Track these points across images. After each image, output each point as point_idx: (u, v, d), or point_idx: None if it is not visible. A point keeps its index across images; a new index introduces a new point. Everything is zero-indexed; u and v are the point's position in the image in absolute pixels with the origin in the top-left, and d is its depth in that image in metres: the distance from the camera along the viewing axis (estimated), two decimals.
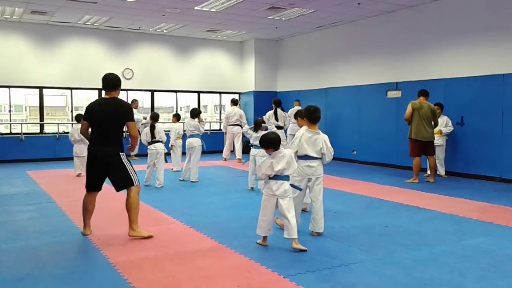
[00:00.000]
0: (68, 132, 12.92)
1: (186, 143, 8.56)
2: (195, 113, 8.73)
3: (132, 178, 4.71)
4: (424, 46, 9.94)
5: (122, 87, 14.83)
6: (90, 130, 4.79)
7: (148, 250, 4.33)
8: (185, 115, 8.89)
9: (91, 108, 4.80)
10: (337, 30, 12.34)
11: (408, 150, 8.75)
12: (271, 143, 4.38)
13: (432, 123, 8.40)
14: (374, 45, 11.19)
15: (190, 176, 8.56)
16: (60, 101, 17.77)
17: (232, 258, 4.12)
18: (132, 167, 4.79)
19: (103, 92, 4.87)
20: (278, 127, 10.55)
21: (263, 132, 7.32)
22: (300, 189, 4.75)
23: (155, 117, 8.32)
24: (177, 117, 9.66)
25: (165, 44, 13.80)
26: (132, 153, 9.83)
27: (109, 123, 4.68)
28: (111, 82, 4.82)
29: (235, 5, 10.00)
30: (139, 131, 10.13)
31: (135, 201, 4.73)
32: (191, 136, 8.53)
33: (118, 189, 4.76)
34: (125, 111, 4.74)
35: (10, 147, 11.76)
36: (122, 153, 4.72)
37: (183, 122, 9.58)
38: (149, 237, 4.73)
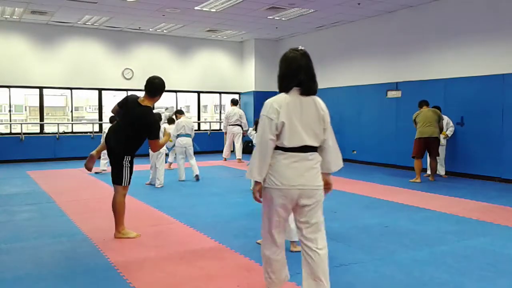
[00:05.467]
0: (68, 132, 13.02)
1: (180, 142, 8.61)
2: (181, 112, 9.30)
3: (123, 179, 4.57)
4: (424, 46, 9.93)
5: (122, 87, 14.71)
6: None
7: (148, 250, 4.33)
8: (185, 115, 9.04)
9: (129, 102, 4.70)
10: (337, 30, 12.34)
11: (409, 150, 8.82)
12: None
13: (434, 122, 8.43)
14: (374, 45, 11.18)
15: (193, 171, 8.76)
16: (60, 101, 17.81)
17: (232, 258, 4.12)
18: (129, 171, 4.62)
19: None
20: None
21: None
22: None
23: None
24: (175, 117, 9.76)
25: (165, 44, 13.80)
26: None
27: (131, 130, 4.55)
28: (153, 87, 4.69)
29: (235, 5, 9.99)
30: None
31: (118, 202, 4.64)
32: (186, 135, 8.69)
33: (112, 181, 4.72)
34: (150, 128, 4.54)
35: (10, 147, 11.76)
36: (127, 156, 4.57)
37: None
38: (137, 236, 4.73)
